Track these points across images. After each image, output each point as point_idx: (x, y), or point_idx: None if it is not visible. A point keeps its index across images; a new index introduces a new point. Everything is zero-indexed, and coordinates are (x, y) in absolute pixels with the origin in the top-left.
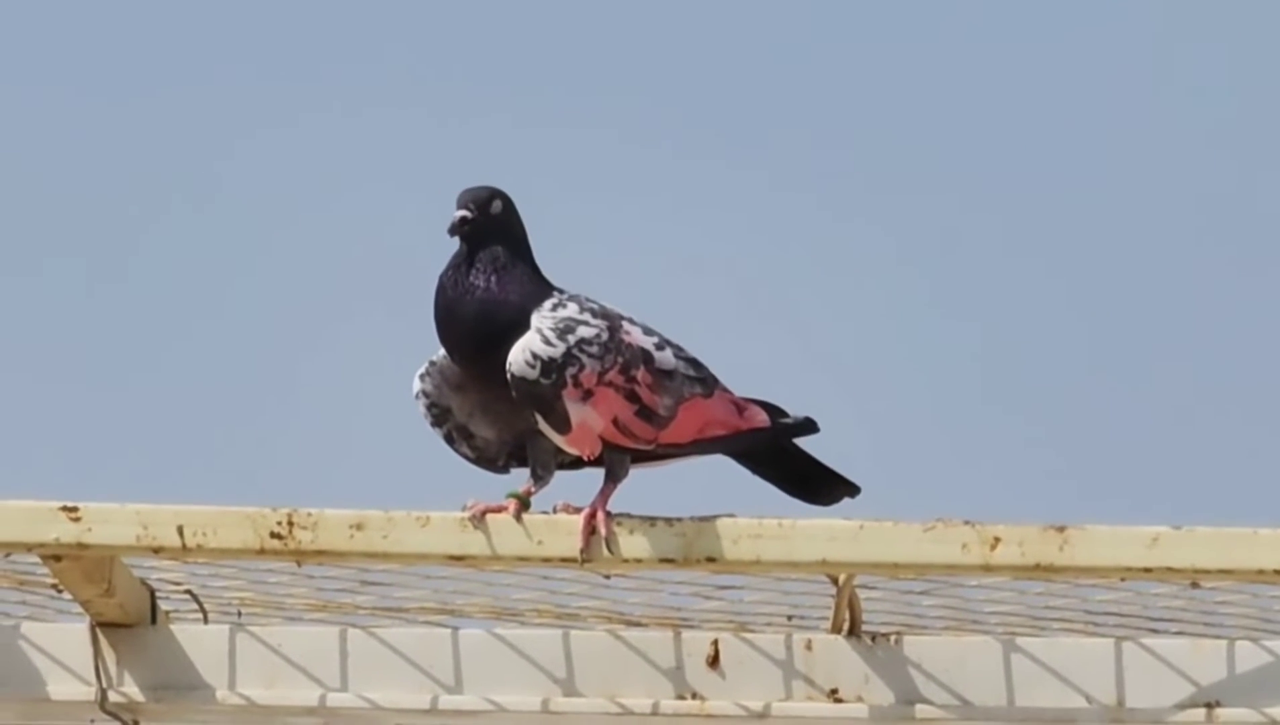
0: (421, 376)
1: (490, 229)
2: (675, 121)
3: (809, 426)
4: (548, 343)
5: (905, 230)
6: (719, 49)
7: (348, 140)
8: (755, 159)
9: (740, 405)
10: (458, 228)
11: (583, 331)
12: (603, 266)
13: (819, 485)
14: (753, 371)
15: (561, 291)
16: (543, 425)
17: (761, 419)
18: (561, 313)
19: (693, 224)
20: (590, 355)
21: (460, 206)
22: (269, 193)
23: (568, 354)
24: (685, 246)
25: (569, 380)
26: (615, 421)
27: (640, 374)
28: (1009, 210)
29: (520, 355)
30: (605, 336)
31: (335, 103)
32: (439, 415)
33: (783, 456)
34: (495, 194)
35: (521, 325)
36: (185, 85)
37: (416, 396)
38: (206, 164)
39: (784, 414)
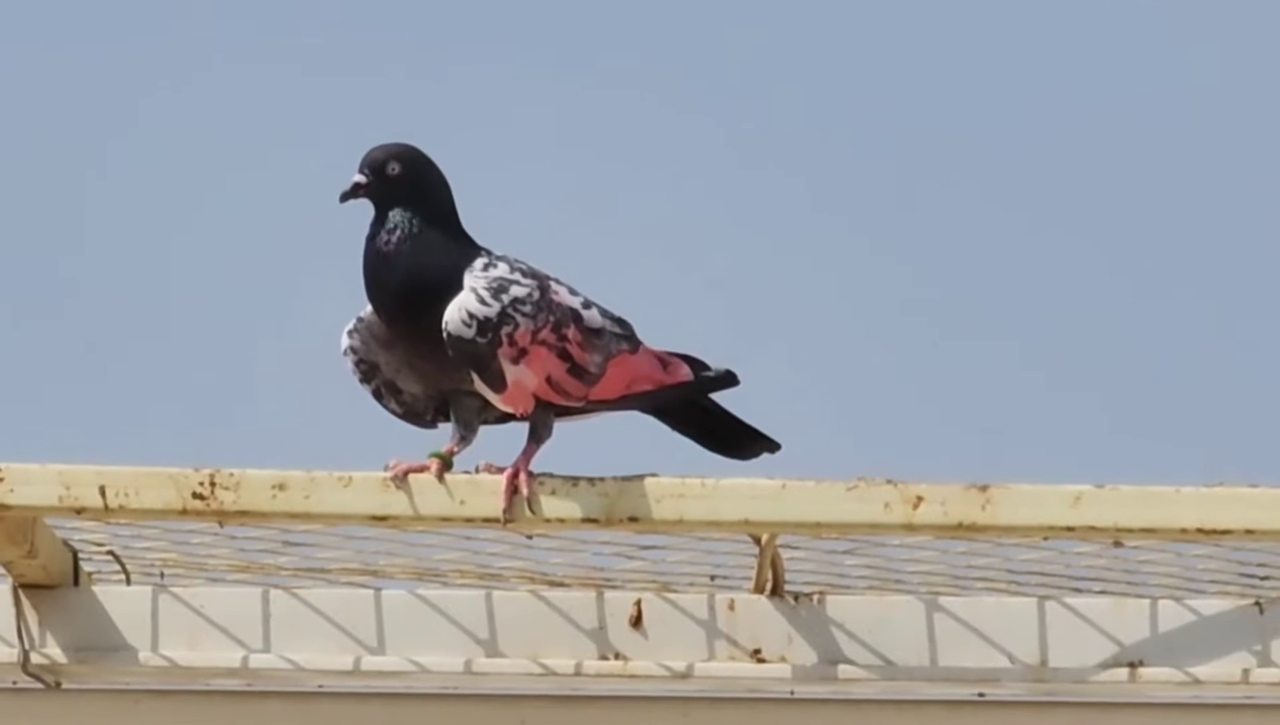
0: (349, 333)
1: (393, 190)
2: (584, 59)
3: (730, 379)
4: (483, 302)
5: (828, 179)
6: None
7: (285, 92)
8: (669, 103)
9: (664, 360)
10: (348, 195)
11: (516, 291)
12: (519, 220)
13: (739, 441)
14: (673, 327)
15: (489, 251)
16: (479, 384)
17: (685, 372)
18: (494, 272)
19: (610, 173)
20: (524, 314)
21: (358, 170)
22: (201, 147)
23: (502, 313)
24: (602, 196)
25: (504, 339)
26: (549, 379)
27: (571, 332)
28: (934, 151)
29: (457, 314)
30: (537, 295)
31: (279, 53)
32: (367, 371)
33: (703, 413)
34: (393, 154)
35: (453, 284)
36: (132, 33)
37: (344, 352)
38: (139, 116)
39: (705, 367)
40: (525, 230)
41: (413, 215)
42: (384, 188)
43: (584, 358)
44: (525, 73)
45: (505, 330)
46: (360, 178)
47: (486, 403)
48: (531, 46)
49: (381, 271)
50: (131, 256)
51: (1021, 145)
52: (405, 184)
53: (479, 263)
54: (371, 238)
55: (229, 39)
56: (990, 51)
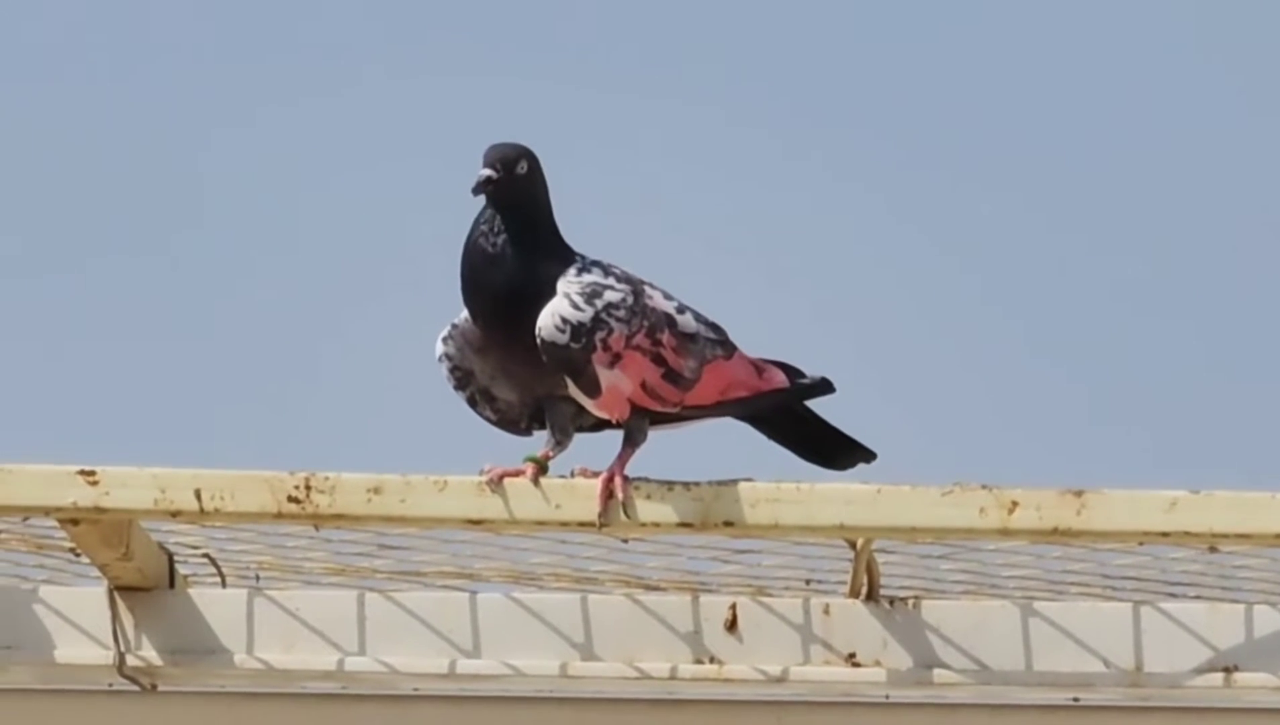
0: (444, 339)
1: (516, 190)
2: (687, 82)
3: (825, 387)
4: (576, 307)
5: (925, 191)
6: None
7: (370, 110)
8: (770, 120)
9: (759, 366)
10: (482, 187)
11: (609, 296)
12: (616, 229)
13: (835, 451)
14: (770, 335)
15: (584, 257)
16: (573, 390)
17: (780, 379)
18: (587, 277)
19: (707, 186)
20: (618, 319)
21: (486, 165)
22: (296, 163)
23: (596, 318)
24: (698, 208)
25: (598, 344)
26: (644, 384)
27: (665, 337)
28: (1028, 171)
29: (550, 320)
30: (631, 301)
31: (359, 73)
32: (462, 378)
33: (799, 422)
34: (522, 153)
35: (547, 290)
36: (206, 60)
37: (439, 359)
38: (233, 135)
39: (801, 375)
40: (612, 238)
41: (522, 218)
42: (509, 186)
43: (679, 363)
44: (595, 80)
45: (599, 335)
46: (492, 172)
47: (581, 409)
48: (598, 52)
49: (482, 272)
50: (228, 261)
51: (1114, 150)
52: (526, 185)
53: (573, 268)
54: (475, 237)
55: (324, 50)
56: (1081, 58)
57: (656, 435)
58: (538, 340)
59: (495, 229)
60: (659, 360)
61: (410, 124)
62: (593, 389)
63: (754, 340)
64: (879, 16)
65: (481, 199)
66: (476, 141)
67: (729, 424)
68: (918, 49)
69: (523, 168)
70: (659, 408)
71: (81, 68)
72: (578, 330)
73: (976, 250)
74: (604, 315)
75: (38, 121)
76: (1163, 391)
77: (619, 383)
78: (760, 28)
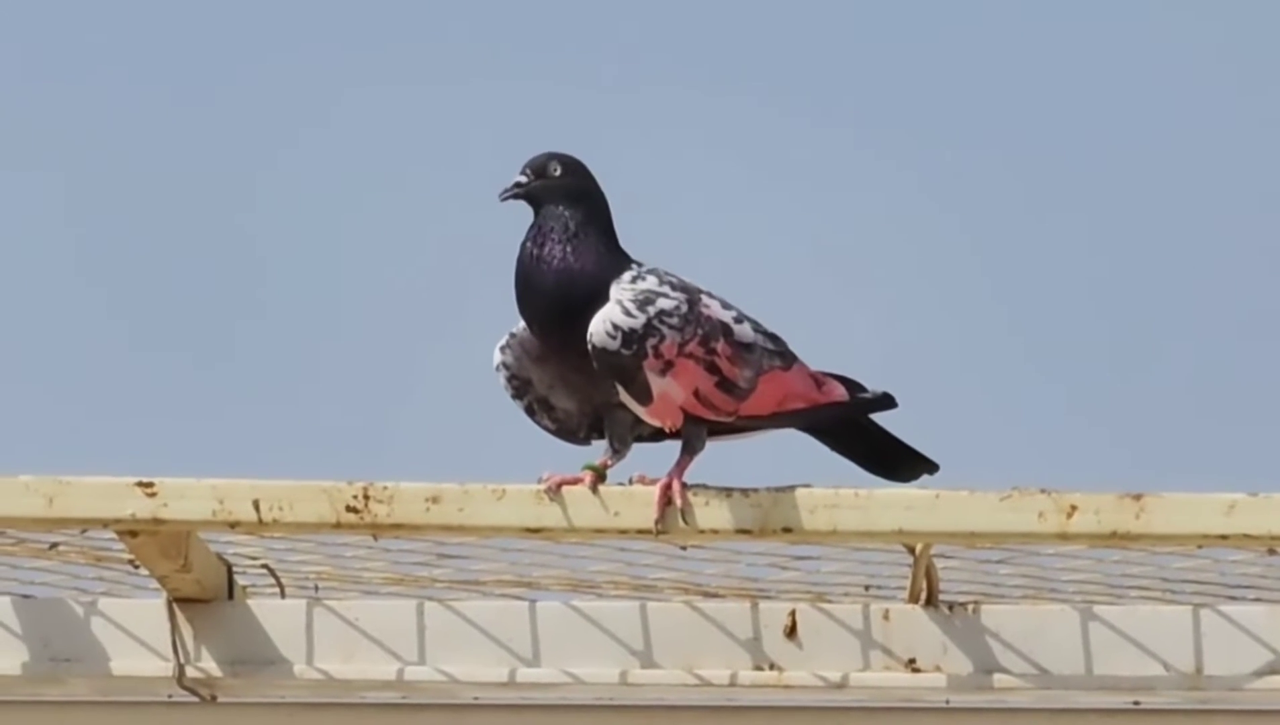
0: (501, 348)
1: (552, 193)
2: (753, 86)
3: (887, 401)
4: (628, 314)
5: (977, 202)
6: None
7: (449, 112)
8: (835, 129)
9: (818, 379)
10: (506, 193)
11: (662, 303)
12: (677, 234)
13: (897, 462)
14: (831, 347)
15: (640, 263)
16: (624, 397)
17: (840, 393)
18: (641, 285)
19: (770, 193)
20: (670, 326)
21: (520, 171)
22: (355, 168)
23: (648, 325)
24: (762, 216)
25: (650, 351)
26: (696, 393)
27: (720, 346)
28: (1090, 175)
29: (601, 326)
30: (685, 308)
31: (434, 71)
32: (519, 387)
33: (860, 432)
34: (553, 157)
35: (600, 296)
36: (286, 52)
37: (497, 368)
38: (303, 135)
39: (862, 389)
40: (677, 242)
41: (568, 222)
42: (544, 189)
43: (733, 372)
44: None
45: (650, 342)
46: (521, 177)
47: (640, 418)
48: (691, 58)
49: (532, 277)
50: (285, 272)
51: (1183, 152)
52: (564, 189)
53: (627, 275)
54: (528, 243)
55: (390, 50)
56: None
57: (714, 445)
58: (589, 346)
59: (544, 235)
60: (713, 368)
61: (493, 131)
62: (644, 396)
63: (811, 345)
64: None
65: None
66: (561, 145)
67: (788, 432)
68: (984, 43)
69: (554, 170)
70: (712, 416)
71: (150, 66)
72: (629, 336)
73: (1035, 256)
74: (656, 322)
75: (92, 123)
76: (1222, 393)
77: (670, 390)
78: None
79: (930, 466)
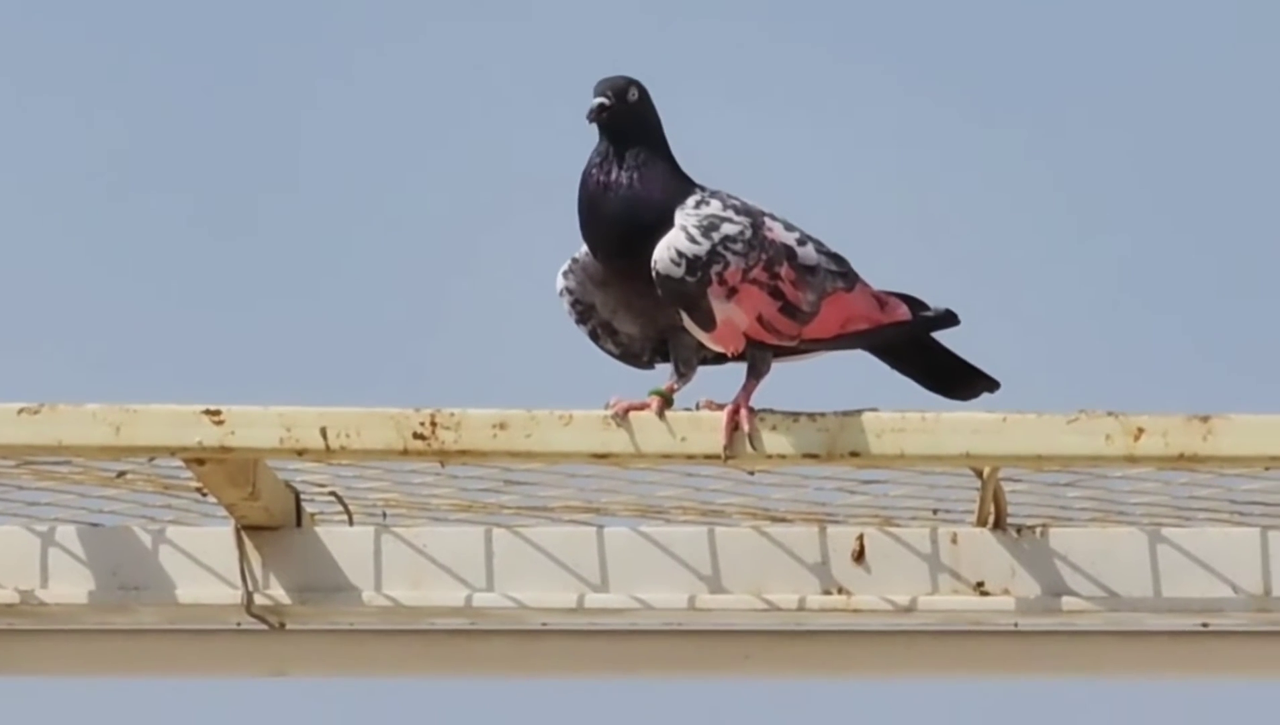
0: (565, 274)
1: (628, 118)
2: (809, 23)
3: (950, 319)
4: (692, 240)
5: (1047, 128)
6: None
7: (485, 45)
8: (894, 60)
9: (881, 299)
10: (596, 114)
11: (727, 228)
12: (737, 165)
13: (959, 380)
14: (895, 267)
15: (703, 188)
16: (688, 322)
17: (903, 312)
18: (705, 210)
19: (834, 125)
20: (735, 252)
21: (598, 94)
22: (414, 101)
23: (712, 251)
24: (826, 147)
25: (714, 278)
26: (760, 318)
27: (784, 270)
28: (1152, 111)
29: (665, 253)
30: (749, 233)
31: (470, 7)
32: (583, 312)
33: (923, 351)
34: (631, 81)
35: (665, 222)
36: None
37: (560, 294)
38: (353, 74)
39: (925, 307)
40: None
41: (638, 149)
42: (622, 114)
43: (797, 296)
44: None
45: (715, 268)
46: (605, 100)
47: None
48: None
49: (599, 204)
50: (350, 200)
51: (1240, 89)
52: (638, 114)
53: (691, 200)
54: (593, 168)
55: None
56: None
57: (779, 367)
58: (654, 273)
59: (611, 160)
60: (776, 293)
61: (531, 60)
62: (707, 323)
63: (882, 274)
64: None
65: (596, 132)
66: (594, 74)
67: (853, 354)
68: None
69: (634, 95)
70: (776, 341)
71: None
72: (693, 263)
73: (1098, 178)
74: (720, 248)
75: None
76: None
77: (734, 316)
78: None
79: (992, 384)
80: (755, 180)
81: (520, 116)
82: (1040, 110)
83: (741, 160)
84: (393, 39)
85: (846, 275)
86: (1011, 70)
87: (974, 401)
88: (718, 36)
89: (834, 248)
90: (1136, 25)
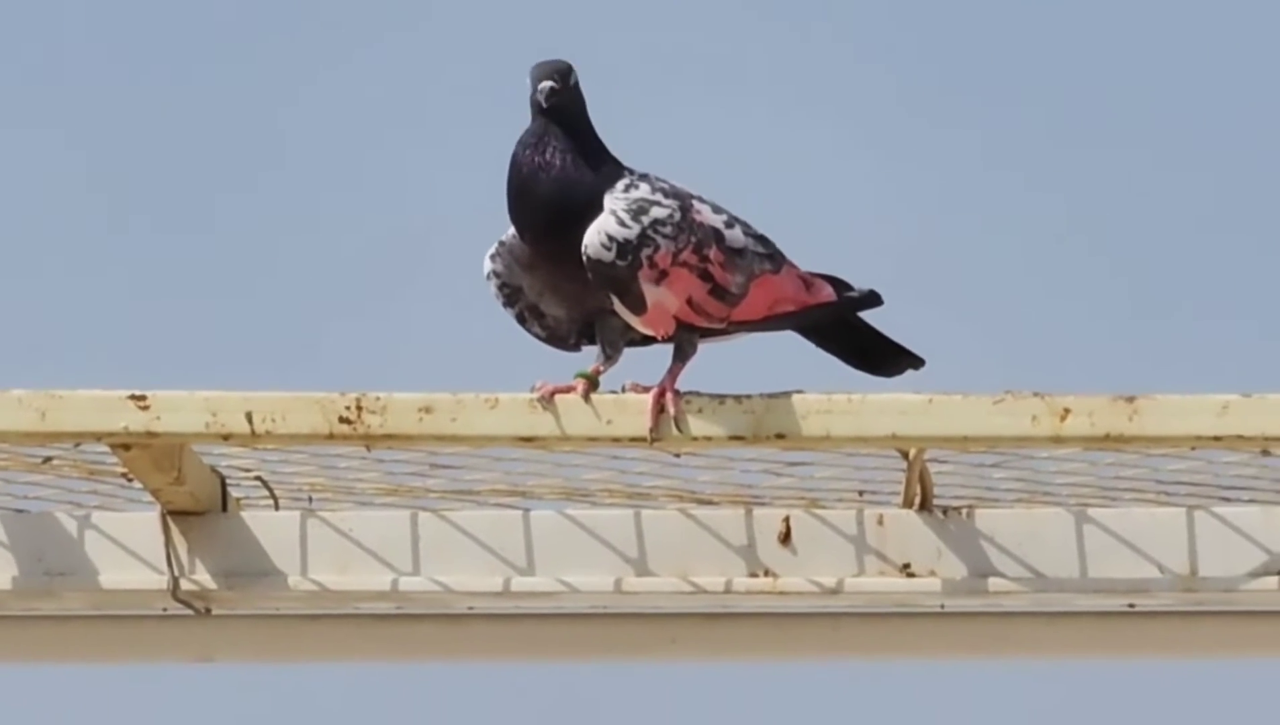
0: (492, 257)
1: (568, 102)
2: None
3: (873, 299)
4: (622, 224)
5: (973, 108)
6: None
7: (414, 38)
8: (821, 36)
9: (807, 280)
10: (550, 98)
11: (656, 212)
12: (664, 141)
13: (884, 358)
14: (820, 249)
15: (632, 171)
16: (618, 306)
17: (828, 293)
18: (634, 193)
19: (754, 94)
20: (664, 236)
21: (544, 78)
22: (345, 93)
23: (642, 235)
24: (748, 119)
25: (644, 261)
26: (690, 301)
27: (713, 253)
28: (1077, 74)
29: (596, 237)
30: (678, 216)
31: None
32: (510, 295)
33: (848, 330)
34: (570, 66)
35: (594, 206)
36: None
37: (488, 277)
38: (281, 69)
39: (849, 288)
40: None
41: (569, 132)
42: (563, 97)
43: (726, 279)
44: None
45: (645, 252)
46: (554, 84)
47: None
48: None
49: (529, 186)
50: (281, 184)
51: (1165, 70)
52: (574, 98)
53: (620, 184)
54: (521, 151)
55: None
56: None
57: (706, 348)
58: (584, 258)
59: (541, 143)
60: (706, 276)
61: (457, 46)
62: (638, 306)
63: (806, 248)
64: None
65: (516, 118)
66: (522, 60)
67: (780, 335)
68: None
69: (573, 79)
70: (705, 323)
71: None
72: (624, 247)
73: (1023, 153)
74: (651, 232)
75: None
76: (1212, 294)
77: (665, 300)
78: None
79: (916, 361)
80: (673, 151)
81: (450, 106)
82: (966, 89)
83: (658, 133)
84: (331, 42)
85: (773, 257)
86: (940, 47)
87: (900, 383)
88: (676, 28)
89: (760, 230)
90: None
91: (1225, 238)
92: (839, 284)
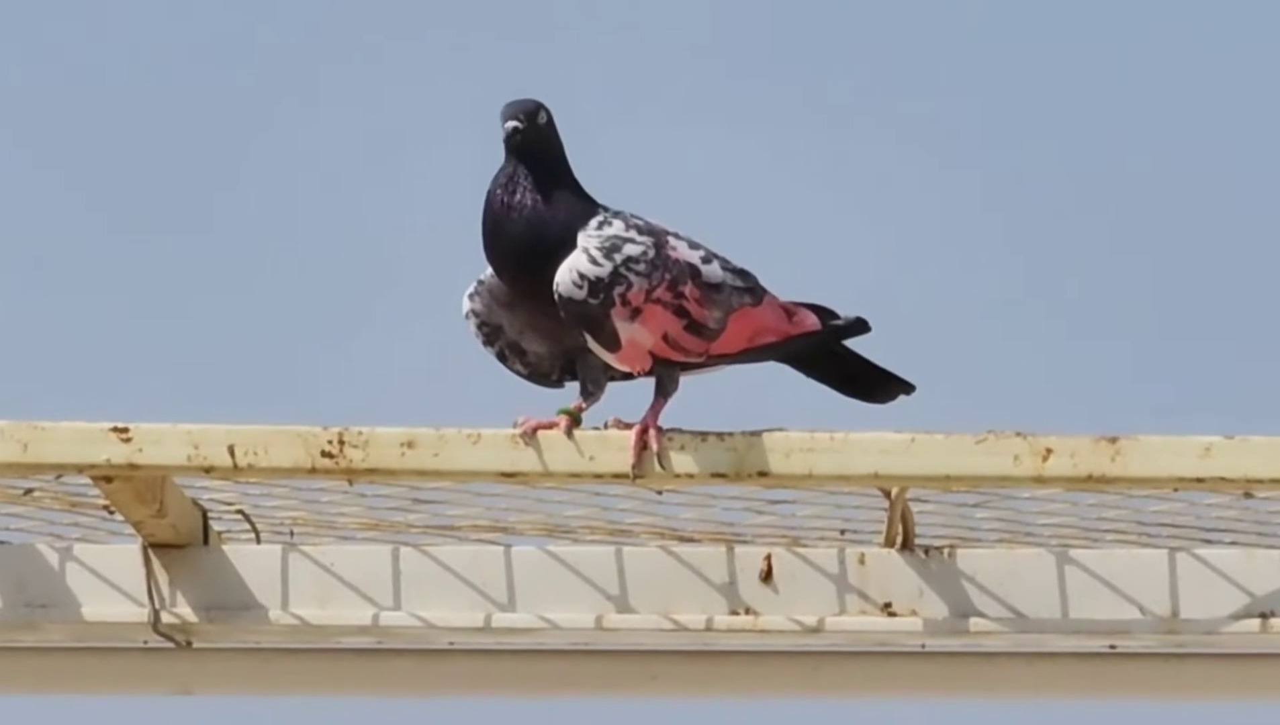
0: (470, 296)
1: (537, 141)
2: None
3: (860, 327)
4: (594, 262)
5: (963, 146)
6: None
7: (398, 71)
8: (812, 78)
9: (790, 310)
10: (512, 137)
11: (629, 249)
12: (647, 173)
13: (872, 385)
14: (805, 276)
15: (606, 208)
16: (592, 344)
17: (812, 322)
18: (607, 231)
19: (735, 128)
20: (637, 273)
21: (510, 118)
22: (329, 118)
23: (615, 273)
24: (729, 149)
25: (617, 299)
26: (665, 337)
27: (688, 289)
28: (1066, 117)
29: (567, 276)
30: (652, 253)
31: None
32: (490, 333)
33: (835, 359)
34: (540, 105)
35: (568, 244)
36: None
37: (466, 316)
38: (270, 91)
39: (834, 316)
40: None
41: (542, 170)
42: (531, 136)
43: (702, 314)
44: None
45: (618, 290)
46: (518, 123)
47: None
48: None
49: (503, 225)
50: (259, 219)
51: (1160, 103)
52: (545, 136)
53: (594, 221)
54: (498, 189)
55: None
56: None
57: (689, 382)
58: (556, 296)
59: (515, 182)
60: (681, 312)
61: (446, 82)
62: (612, 343)
63: (792, 283)
64: None
65: (499, 153)
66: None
67: (763, 372)
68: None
69: (542, 118)
70: (682, 359)
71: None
72: (595, 286)
73: (1009, 192)
74: (623, 269)
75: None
76: (1197, 337)
77: (639, 337)
78: None
79: (906, 387)
80: (663, 188)
81: (433, 139)
82: (959, 124)
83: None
84: (308, 61)
85: (753, 290)
86: (930, 81)
87: (883, 421)
88: (644, 56)
89: (740, 263)
90: (1059, 35)
91: (1208, 282)
92: (824, 312)
